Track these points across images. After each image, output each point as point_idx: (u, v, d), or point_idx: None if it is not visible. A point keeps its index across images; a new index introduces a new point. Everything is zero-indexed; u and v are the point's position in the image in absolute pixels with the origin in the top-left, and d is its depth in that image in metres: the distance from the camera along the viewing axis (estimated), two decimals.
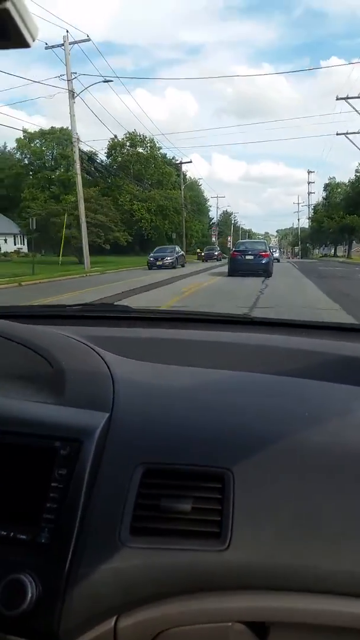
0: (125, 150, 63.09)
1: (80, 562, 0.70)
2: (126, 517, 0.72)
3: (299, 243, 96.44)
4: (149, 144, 61.89)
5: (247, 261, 18.58)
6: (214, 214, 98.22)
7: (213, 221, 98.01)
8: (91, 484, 0.73)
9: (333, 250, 75.05)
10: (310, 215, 78.85)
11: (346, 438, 0.77)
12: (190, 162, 62.27)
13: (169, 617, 0.70)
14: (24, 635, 0.69)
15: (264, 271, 17.88)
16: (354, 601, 0.68)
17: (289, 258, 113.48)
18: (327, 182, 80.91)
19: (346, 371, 0.96)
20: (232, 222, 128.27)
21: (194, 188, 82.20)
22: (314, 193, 78.24)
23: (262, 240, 30.22)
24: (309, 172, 78.33)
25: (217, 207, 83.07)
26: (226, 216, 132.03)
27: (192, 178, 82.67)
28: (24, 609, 0.67)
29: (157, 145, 63.00)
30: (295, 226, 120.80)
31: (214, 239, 72.50)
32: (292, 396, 0.89)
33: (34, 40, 0.46)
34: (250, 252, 19.11)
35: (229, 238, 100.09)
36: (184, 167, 59.54)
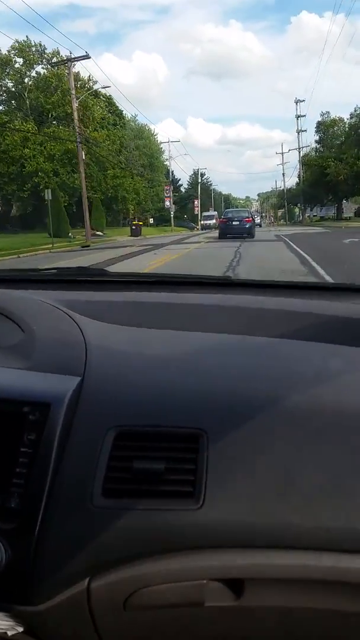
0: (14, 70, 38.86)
1: (51, 526, 0.68)
2: (98, 480, 0.69)
3: (285, 204, 73.33)
4: (53, 59, 36.92)
5: (233, 226, 22.50)
6: (184, 175, 73.49)
7: (179, 180, 74.18)
8: (62, 448, 0.71)
9: (334, 211, 52.41)
10: (301, 160, 55.57)
11: (322, 396, 0.75)
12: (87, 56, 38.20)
13: (143, 577, 0.68)
14: None
15: (248, 233, 21.66)
16: (328, 555, 0.67)
17: (272, 223, 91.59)
18: (319, 119, 58.11)
19: (325, 330, 0.93)
20: (204, 183, 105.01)
21: (144, 135, 58.77)
22: (305, 131, 55.15)
23: (245, 209, 35.87)
24: (297, 101, 54.74)
25: (170, 157, 58.64)
26: (197, 177, 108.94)
27: (143, 125, 59.19)
28: None
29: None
30: (277, 188, 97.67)
31: (167, 203, 49.27)
32: (268, 356, 0.86)
33: None
34: (236, 219, 23.06)
35: (195, 202, 77.44)
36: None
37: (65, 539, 0.68)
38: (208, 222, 53.37)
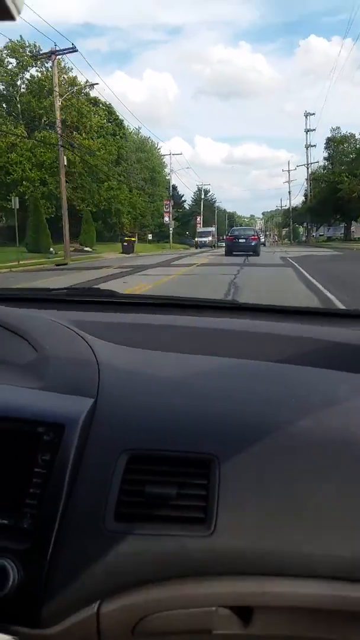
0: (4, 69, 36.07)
1: (63, 548, 0.68)
2: (110, 503, 0.69)
3: (290, 223, 70.41)
4: (46, 63, 34.11)
5: (240, 243, 22.89)
6: (188, 192, 71.12)
7: (183, 196, 71.63)
8: (75, 469, 0.70)
9: (342, 231, 49.34)
10: (309, 176, 52.68)
11: (331, 424, 0.74)
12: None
13: (153, 602, 0.68)
14: (6, 620, 0.67)
15: (253, 251, 22.19)
16: (338, 584, 0.67)
17: (276, 242, 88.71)
18: (329, 136, 55.41)
19: (332, 356, 0.93)
20: (208, 199, 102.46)
21: (146, 148, 56.10)
22: (314, 146, 52.12)
23: (251, 227, 40.75)
24: (307, 114, 51.62)
25: (171, 170, 55.54)
26: (200, 194, 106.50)
27: (146, 137, 56.59)
28: (5, 594, 0.65)
29: (68, 66, 35.67)
30: (282, 207, 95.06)
31: (166, 218, 46.31)
32: (279, 382, 0.86)
33: (19, 13, 0.45)
34: (242, 237, 23.57)
35: (198, 218, 74.59)
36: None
37: (77, 562, 0.67)
38: (203, 239, 49.35)
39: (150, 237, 53.08)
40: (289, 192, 72.70)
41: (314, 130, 50.56)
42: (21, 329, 0.93)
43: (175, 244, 66.13)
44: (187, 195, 79.33)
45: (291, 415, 0.74)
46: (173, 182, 74.85)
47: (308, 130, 50.53)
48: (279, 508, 0.68)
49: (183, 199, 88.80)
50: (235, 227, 35.92)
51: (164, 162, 61.04)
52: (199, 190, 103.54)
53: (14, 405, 0.75)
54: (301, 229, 79.99)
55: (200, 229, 52.28)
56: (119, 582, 0.68)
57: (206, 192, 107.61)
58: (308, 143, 51.07)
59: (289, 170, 72.79)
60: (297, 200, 72.16)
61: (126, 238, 31.37)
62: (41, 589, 0.66)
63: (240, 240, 23.20)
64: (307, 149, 51.24)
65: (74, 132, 33.98)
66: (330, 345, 0.96)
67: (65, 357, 0.86)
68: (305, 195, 67.65)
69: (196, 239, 46.83)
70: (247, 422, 0.74)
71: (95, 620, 0.68)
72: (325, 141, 55.80)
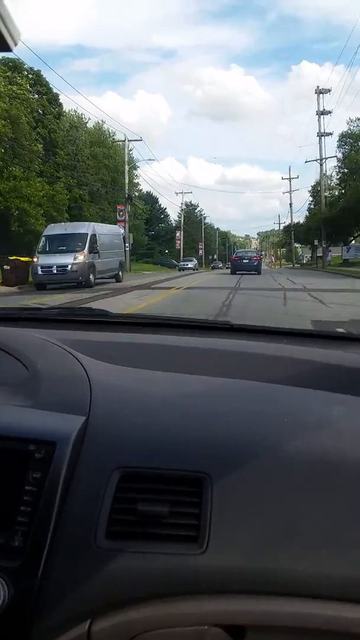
0: None
1: (54, 566, 0.66)
2: (102, 521, 0.68)
3: (292, 240, 56.13)
4: None
5: (243, 263, 25.99)
6: (173, 207, 57.15)
7: (166, 209, 57.73)
8: (66, 487, 0.69)
9: None
10: (321, 177, 38.41)
11: (324, 444, 0.74)
12: None
13: (144, 621, 0.67)
14: None
15: (256, 270, 25.35)
16: (331, 604, 0.65)
17: (272, 262, 74.69)
18: (344, 131, 41.73)
19: (326, 378, 0.92)
20: (196, 216, 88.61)
21: (107, 143, 42.11)
22: (330, 134, 37.14)
23: (253, 250, 47.47)
24: (319, 92, 36.78)
25: (128, 161, 40.13)
26: (190, 210, 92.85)
27: (110, 132, 42.47)
28: None
29: None
30: (280, 223, 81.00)
31: (120, 229, 32.01)
32: (271, 402, 0.85)
33: (15, 45, 0.45)
34: (245, 258, 26.98)
35: (177, 234, 60.56)
36: None
37: (68, 580, 0.66)
38: (186, 264, 46.50)
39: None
40: (290, 205, 58.56)
41: (330, 113, 35.92)
42: (12, 347, 0.92)
43: (149, 264, 52.17)
44: (174, 209, 66.55)
45: (283, 435, 0.74)
46: (151, 193, 61.79)
47: (322, 113, 35.85)
48: (271, 527, 0.66)
49: (166, 212, 75.17)
50: (239, 250, 40.95)
51: (134, 162, 46.99)
52: (187, 206, 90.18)
53: (5, 423, 0.74)
54: (299, 250, 65.76)
55: (183, 261, 48.93)
56: (110, 601, 0.66)
57: (193, 207, 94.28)
58: (322, 130, 36.20)
59: (289, 178, 58.75)
60: (297, 218, 58.22)
61: (12, 257, 16.66)
62: (32, 607, 0.65)
63: (244, 261, 26.44)
64: (320, 138, 36.43)
65: None
66: (323, 367, 0.96)
67: (57, 375, 0.86)
68: (310, 210, 53.81)
69: (180, 264, 46.12)
70: (239, 441, 0.73)
71: (87, 638, 0.66)
72: (338, 138, 41.82)
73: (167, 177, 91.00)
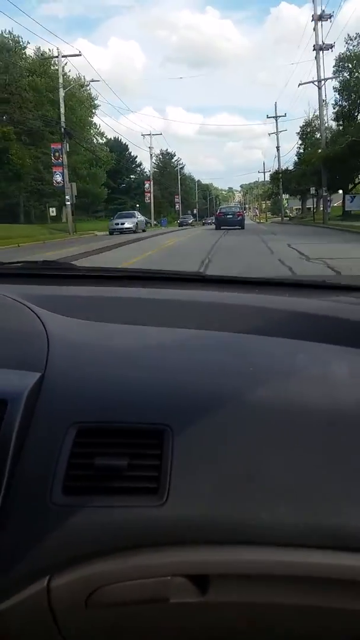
0: None
1: (9, 523, 0.65)
2: (58, 477, 0.66)
3: (280, 189, 48.18)
4: None
5: (227, 219, 26.34)
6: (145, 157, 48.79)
7: (136, 157, 49.17)
8: (20, 445, 0.67)
9: None
10: (321, 103, 30.28)
11: (289, 393, 0.73)
12: None
13: (105, 574, 0.66)
14: None
15: (239, 224, 25.46)
16: (292, 551, 0.65)
17: (256, 215, 69.13)
18: (341, 53, 33.63)
19: (293, 326, 0.90)
20: (173, 165, 79.38)
21: (49, 72, 33.17)
22: (331, 48, 28.76)
23: (236, 205, 48.49)
24: (319, 18, 27.40)
25: (62, 86, 31.26)
26: (166, 159, 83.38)
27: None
28: None
29: None
30: (265, 171, 72.26)
31: (57, 176, 23.80)
32: (236, 352, 0.83)
33: None
34: (229, 213, 27.59)
35: (147, 184, 52.20)
36: None
37: (24, 537, 0.65)
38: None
39: (53, 211, 30.68)
40: (277, 148, 50.27)
41: (330, 17, 27.31)
42: None
43: (102, 219, 44.23)
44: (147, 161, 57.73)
45: (248, 385, 0.73)
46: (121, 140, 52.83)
47: (318, 18, 27.27)
48: (233, 477, 0.65)
49: (138, 162, 66.08)
50: (222, 206, 45.66)
51: (84, 93, 38.12)
52: (163, 155, 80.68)
53: None
54: (286, 202, 57.84)
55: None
56: (69, 556, 0.65)
57: (170, 155, 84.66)
58: (320, 42, 27.54)
59: (276, 117, 50.26)
60: (284, 164, 50.13)
61: None
62: None
63: (228, 216, 26.75)
64: (317, 52, 27.92)
65: None
66: (292, 315, 0.95)
67: (12, 330, 0.83)
68: (300, 155, 45.73)
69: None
70: (201, 392, 0.72)
71: (46, 594, 0.65)
72: (335, 61, 33.53)
73: (143, 127, 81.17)
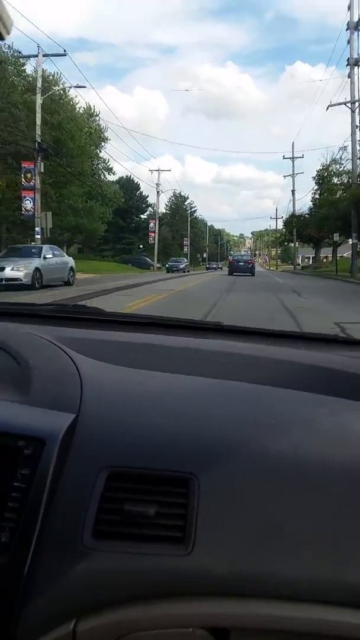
0: None
1: (40, 564, 0.65)
2: (89, 520, 0.67)
3: (294, 231, 44.44)
4: None
5: (239, 266, 29.71)
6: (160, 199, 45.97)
7: (147, 197, 46.48)
8: (54, 485, 0.68)
9: None
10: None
11: (309, 446, 0.73)
12: None
13: (129, 622, 0.66)
14: None
15: (250, 272, 28.79)
16: (316, 607, 0.65)
17: (266, 262, 68.40)
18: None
19: (312, 380, 0.91)
20: (184, 208, 76.85)
21: (54, 95, 30.16)
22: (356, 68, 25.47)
23: (247, 254, 59.10)
24: (357, 27, 24.55)
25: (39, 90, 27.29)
26: (179, 201, 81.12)
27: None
28: None
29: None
30: (278, 217, 69.22)
31: (28, 203, 19.55)
32: (259, 403, 0.84)
33: (8, 34, 0.45)
34: (241, 261, 30.91)
35: (151, 223, 48.79)
36: None
37: (54, 579, 0.65)
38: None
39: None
40: (293, 192, 46.98)
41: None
42: (4, 342, 0.91)
43: (111, 262, 40.52)
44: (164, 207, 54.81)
45: (270, 437, 0.73)
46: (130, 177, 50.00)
47: (356, 26, 23.68)
48: (257, 529, 0.66)
49: (149, 201, 63.26)
50: (235, 254, 49.43)
51: (92, 122, 35.18)
52: (176, 197, 78.22)
53: None
54: (296, 249, 54.06)
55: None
56: (96, 600, 0.65)
57: (182, 198, 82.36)
58: (355, 57, 23.58)
59: (292, 158, 47.24)
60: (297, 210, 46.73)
61: None
62: (17, 605, 0.64)
63: (240, 263, 30.16)
64: (352, 68, 23.71)
65: None
66: (310, 369, 0.95)
67: (48, 371, 0.85)
68: (315, 201, 42.30)
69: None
70: (226, 442, 0.72)
71: (72, 638, 0.65)
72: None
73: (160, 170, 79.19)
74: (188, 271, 41.63)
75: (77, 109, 34.17)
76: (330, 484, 0.68)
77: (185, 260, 48.07)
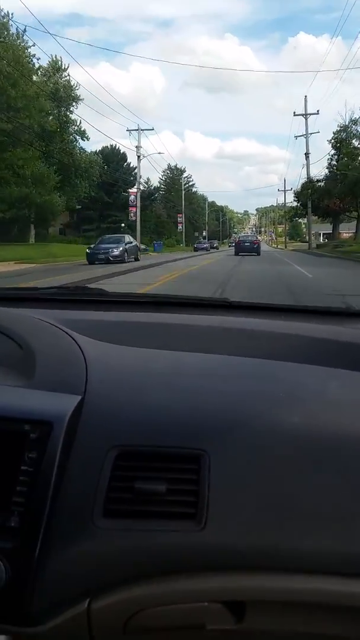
0: None
1: (51, 545, 0.65)
2: (99, 500, 0.66)
3: (309, 207, 36.55)
4: None
5: (245, 246, 30.14)
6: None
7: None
8: (62, 467, 0.68)
9: None
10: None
11: (321, 418, 0.72)
12: None
13: (144, 598, 0.66)
14: None
15: (256, 251, 29.40)
16: (332, 579, 0.65)
17: (272, 240, 65.78)
18: None
19: (324, 353, 0.90)
20: (179, 181, 68.63)
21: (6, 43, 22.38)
22: None
23: (254, 234, 53.74)
24: None
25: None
26: (175, 174, 72.86)
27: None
28: None
29: None
30: (284, 189, 60.87)
31: None
32: (269, 378, 0.83)
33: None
34: (247, 242, 31.39)
35: (132, 196, 40.98)
36: None
37: (66, 559, 0.65)
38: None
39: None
40: (306, 155, 38.94)
41: None
42: (6, 327, 0.90)
43: (82, 244, 33.12)
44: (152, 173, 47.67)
45: (282, 411, 0.72)
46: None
47: None
48: (270, 503, 0.65)
49: (135, 173, 55.29)
50: (241, 234, 46.56)
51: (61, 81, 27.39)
52: (173, 169, 70.00)
53: (0, 404, 0.73)
54: (303, 225, 46.15)
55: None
56: (109, 579, 0.65)
57: (178, 170, 74.14)
58: None
59: (305, 115, 39.02)
60: (313, 168, 38.92)
61: None
62: (30, 587, 0.64)
63: (246, 244, 30.50)
64: None
65: None
66: (321, 342, 0.94)
67: (52, 354, 0.83)
68: (333, 166, 34.54)
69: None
70: (237, 418, 0.71)
71: (86, 617, 0.65)
72: None
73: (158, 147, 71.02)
74: (216, 248, 51.74)
75: (36, 60, 26.43)
76: (343, 456, 0.67)
77: (209, 241, 54.58)
